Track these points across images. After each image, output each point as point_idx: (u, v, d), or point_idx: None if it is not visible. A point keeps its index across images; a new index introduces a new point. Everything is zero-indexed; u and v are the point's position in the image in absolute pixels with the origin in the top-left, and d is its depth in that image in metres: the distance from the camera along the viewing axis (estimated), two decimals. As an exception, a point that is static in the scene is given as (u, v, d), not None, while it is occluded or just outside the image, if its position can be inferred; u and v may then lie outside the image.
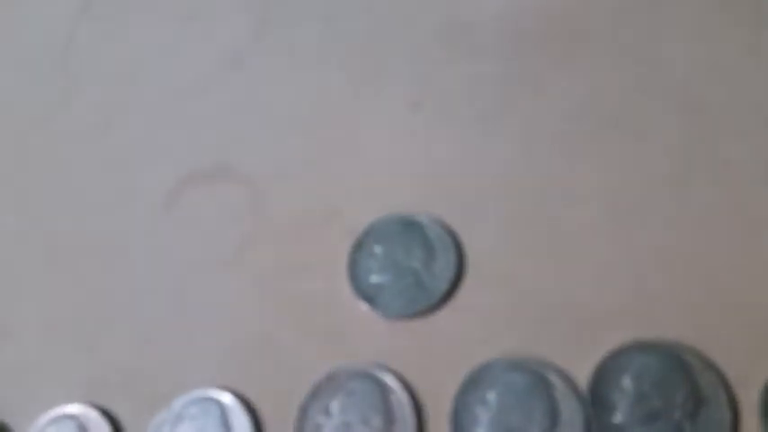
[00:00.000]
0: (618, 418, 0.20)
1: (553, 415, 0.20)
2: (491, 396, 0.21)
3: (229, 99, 0.28)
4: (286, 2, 0.30)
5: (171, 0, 0.31)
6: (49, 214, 0.27)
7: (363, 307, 0.23)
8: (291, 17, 0.30)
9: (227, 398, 0.22)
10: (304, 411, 0.22)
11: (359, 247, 0.24)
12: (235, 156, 0.27)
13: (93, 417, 0.23)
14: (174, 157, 0.28)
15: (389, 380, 0.22)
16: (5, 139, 0.30)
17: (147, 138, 0.28)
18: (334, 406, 0.21)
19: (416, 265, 0.23)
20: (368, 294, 0.23)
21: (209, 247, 0.25)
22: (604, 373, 0.20)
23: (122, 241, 0.26)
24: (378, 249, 0.23)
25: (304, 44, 0.29)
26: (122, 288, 0.25)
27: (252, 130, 0.28)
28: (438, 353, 0.22)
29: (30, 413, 0.24)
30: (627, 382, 0.20)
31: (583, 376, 0.21)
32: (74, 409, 0.23)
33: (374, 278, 0.23)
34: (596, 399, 0.20)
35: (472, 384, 0.21)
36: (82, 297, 0.25)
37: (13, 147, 0.29)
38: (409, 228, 0.24)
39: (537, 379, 0.21)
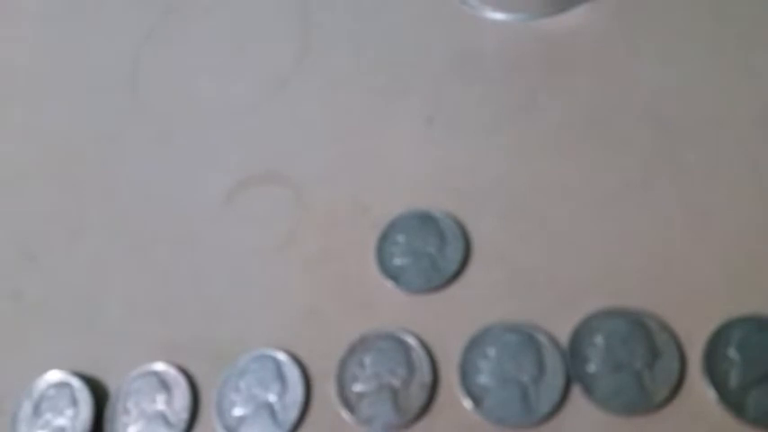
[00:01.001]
0: (592, 368, 0.23)
1: (540, 366, 0.23)
2: (491, 352, 0.23)
3: (277, 114, 0.31)
4: (323, 32, 0.32)
5: (224, 29, 0.34)
6: (131, 210, 0.30)
7: (389, 284, 0.26)
8: (328, 45, 0.32)
9: (281, 355, 0.25)
10: (343, 365, 0.24)
11: (385, 237, 0.26)
12: (281, 162, 0.30)
13: (173, 373, 0.26)
14: (231, 164, 0.30)
15: (411, 340, 0.24)
16: (87, 149, 0.32)
17: (209, 147, 0.31)
18: (367, 360, 0.24)
19: (431, 250, 0.26)
20: (393, 274, 0.26)
21: (262, 236, 0.28)
22: (581, 334, 0.23)
23: (193, 231, 0.29)
24: (400, 238, 0.26)
25: (338, 68, 0.31)
26: (193, 269, 0.28)
27: (296, 141, 0.30)
28: (449, 319, 0.25)
29: (119, 370, 0.26)
30: (599, 340, 0.23)
31: (564, 336, 0.23)
32: (157, 366, 0.26)
33: (397, 261, 0.26)
34: (575, 353, 0.23)
35: (476, 343, 0.24)
36: (160, 276, 0.28)
37: (95, 155, 0.32)
38: (426, 221, 0.26)
39: (527, 338, 0.23)
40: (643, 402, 0.22)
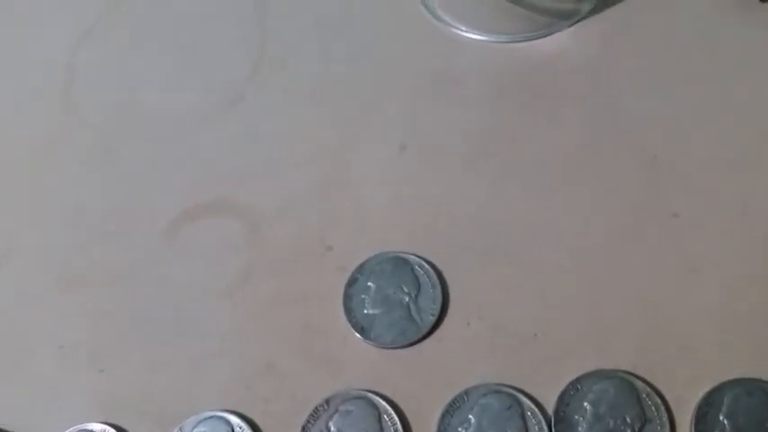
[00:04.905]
0: (578, 435, 0.22)
1: (524, 433, 0.22)
2: (470, 417, 0.22)
3: (230, 133, 0.28)
4: (284, 42, 0.30)
5: (171, 32, 0.31)
6: (57, 244, 0.27)
7: (357, 337, 0.24)
8: (289, 57, 0.29)
9: (233, 418, 0.23)
10: (305, 431, 0.22)
11: (353, 282, 0.24)
12: (234, 189, 0.27)
13: (111, 432, 0.23)
14: (177, 189, 0.27)
15: (382, 403, 0.23)
16: (13, 169, 0.29)
17: (151, 169, 0.28)
18: (333, 426, 0.22)
19: (406, 299, 0.24)
20: (362, 325, 0.24)
21: (211, 275, 0.25)
22: (568, 398, 0.22)
23: (128, 270, 0.26)
24: (371, 284, 0.24)
25: (301, 84, 0.29)
26: (130, 314, 0.25)
27: (251, 165, 0.27)
28: (424, 379, 0.23)
29: (50, 427, 0.24)
30: (586, 405, 0.22)
31: (549, 399, 0.22)
32: (94, 426, 0.24)
33: (367, 311, 0.24)
34: (561, 419, 0.22)
35: (455, 407, 0.22)
36: (93, 321, 0.25)
37: (19, 176, 0.29)
38: (399, 266, 0.24)
39: (510, 402, 0.22)
40: (631, 472, 0.22)
